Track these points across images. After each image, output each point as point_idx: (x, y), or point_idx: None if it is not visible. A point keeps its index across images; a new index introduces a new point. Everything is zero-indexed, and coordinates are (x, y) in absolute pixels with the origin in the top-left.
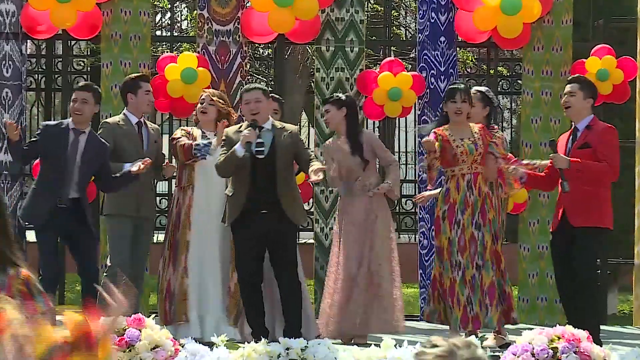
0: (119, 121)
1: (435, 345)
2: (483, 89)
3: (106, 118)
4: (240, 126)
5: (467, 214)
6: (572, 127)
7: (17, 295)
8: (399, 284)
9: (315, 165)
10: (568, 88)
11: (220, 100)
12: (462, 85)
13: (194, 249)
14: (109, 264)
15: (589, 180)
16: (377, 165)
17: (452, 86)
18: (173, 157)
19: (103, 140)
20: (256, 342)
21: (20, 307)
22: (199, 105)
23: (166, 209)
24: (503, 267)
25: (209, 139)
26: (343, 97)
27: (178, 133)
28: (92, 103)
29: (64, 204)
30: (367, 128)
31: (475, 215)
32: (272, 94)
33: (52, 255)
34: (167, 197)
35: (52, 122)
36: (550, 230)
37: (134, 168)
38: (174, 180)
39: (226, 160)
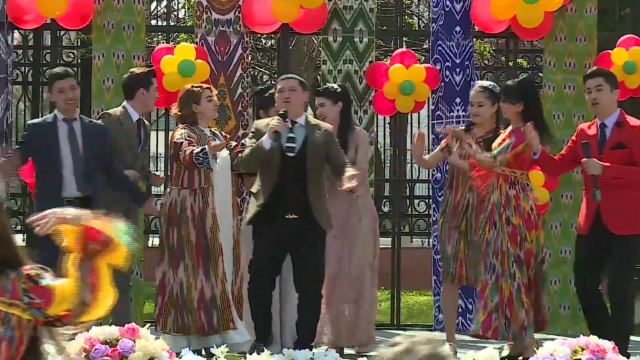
0: (119, 115)
1: (394, 344)
2: (487, 83)
3: (98, 113)
4: (272, 119)
5: (504, 215)
6: (598, 123)
7: (23, 294)
8: (376, 291)
9: (350, 170)
10: (593, 82)
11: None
12: (508, 83)
13: (226, 251)
14: None
15: (625, 185)
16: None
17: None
18: (174, 160)
19: (99, 122)
20: (259, 344)
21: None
22: (210, 102)
23: None
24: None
25: (208, 136)
26: (338, 89)
27: (179, 136)
28: (78, 88)
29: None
30: (377, 124)
31: (498, 218)
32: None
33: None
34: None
35: (36, 120)
36: (578, 233)
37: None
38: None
39: (251, 153)
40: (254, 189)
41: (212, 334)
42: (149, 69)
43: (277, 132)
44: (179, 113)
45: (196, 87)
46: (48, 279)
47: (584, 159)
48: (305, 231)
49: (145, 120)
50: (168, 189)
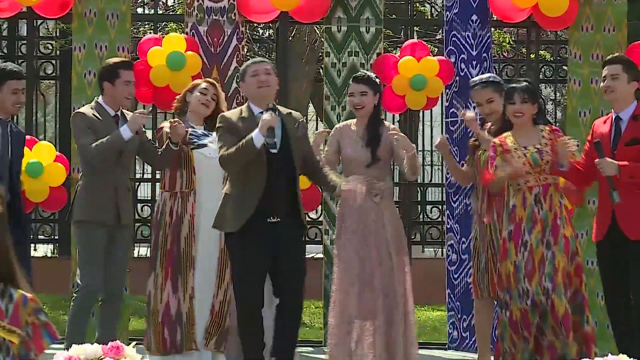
0: (93, 112)
1: None
2: (485, 76)
3: (78, 109)
4: (241, 111)
5: (535, 232)
6: (613, 116)
7: (26, 327)
8: (413, 307)
9: (336, 177)
10: (609, 70)
11: (222, 96)
12: (523, 84)
13: (200, 266)
14: (79, 282)
15: None
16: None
17: (510, 85)
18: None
19: (21, 130)
20: None
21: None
22: (200, 94)
23: (149, 217)
24: (582, 291)
25: (206, 133)
26: (378, 79)
27: (165, 123)
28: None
29: None
30: (385, 120)
31: (545, 233)
32: None
33: None
34: (150, 204)
35: None
36: (594, 240)
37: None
38: (157, 184)
39: (239, 150)
40: (227, 190)
41: (174, 353)
42: (120, 60)
43: (271, 127)
44: (177, 97)
45: (203, 80)
46: (44, 316)
47: (597, 160)
48: (289, 233)
49: (127, 113)
50: (160, 192)
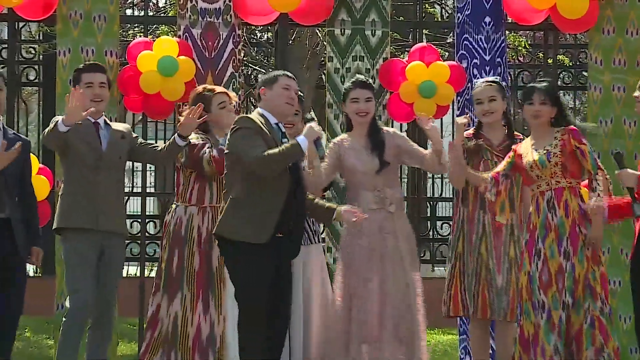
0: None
1: None
2: (492, 77)
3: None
4: (257, 119)
5: (549, 240)
6: None
7: None
8: (424, 330)
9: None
10: None
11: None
12: (544, 84)
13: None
14: (67, 305)
15: None
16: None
17: (530, 84)
18: (183, 168)
19: (24, 137)
20: None
21: None
22: (224, 110)
23: (158, 234)
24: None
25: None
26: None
27: (194, 138)
28: (5, 90)
29: None
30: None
31: (562, 242)
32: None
33: None
34: (139, 220)
35: None
36: (630, 259)
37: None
38: (148, 199)
39: (285, 155)
40: (238, 195)
41: None
42: (85, 64)
43: (319, 138)
44: None
45: (208, 90)
46: None
47: (617, 171)
48: (288, 251)
49: (110, 122)
50: (173, 205)
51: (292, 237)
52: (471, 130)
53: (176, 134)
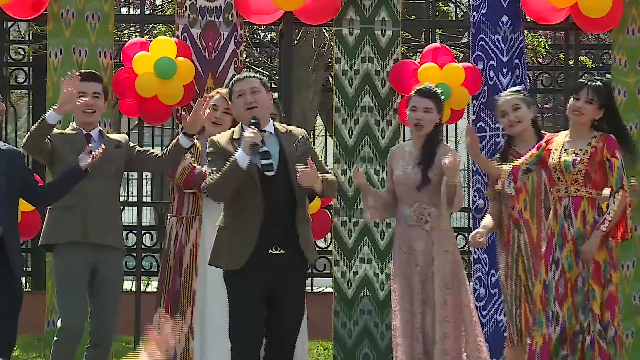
0: (65, 130)
1: None
2: (516, 87)
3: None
4: (233, 132)
5: (566, 250)
6: None
7: None
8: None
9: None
10: None
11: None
12: (598, 83)
13: (199, 302)
14: (59, 325)
15: None
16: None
17: (582, 80)
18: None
19: (13, 147)
20: None
21: None
22: (209, 111)
23: (155, 247)
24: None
25: None
26: (442, 96)
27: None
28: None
29: None
30: (403, 137)
31: (579, 255)
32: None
33: None
34: (134, 231)
35: None
36: None
37: (84, 161)
38: (145, 209)
39: (224, 175)
40: (222, 223)
41: None
42: (78, 73)
43: (255, 144)
44: None
45: (219, 91)
46: None
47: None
48: (291, 268)
49: (106, 133)
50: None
51: (283, 256)
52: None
53: (181, 134)
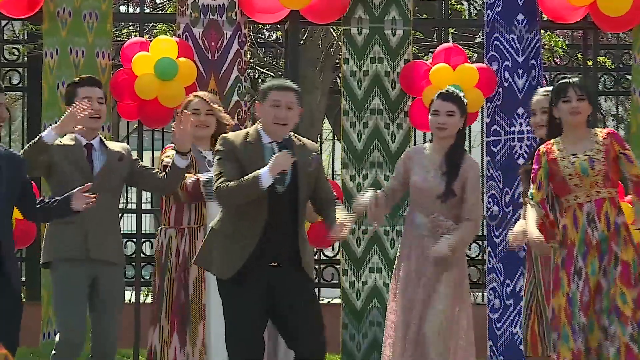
0: (65, 141)
1: None
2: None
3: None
4: (247, 134)
5: (590, 257)
6: None
7: None
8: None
9: (343, 215)
10: None
11: (220, 108)
12: (575, 79)
13: (215, 316)
14: (57, 339)
15: None
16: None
17: (562, 81)
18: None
19: (17, 153)
20: None
21: None
22: (192, 115)
23: (133, 255)
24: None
25: (207, 159)
26: (465, 100)
27: (168, 159)
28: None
29: None
30: (414, 141)
31: (603, 259)
32: None
33: None
34: (134, 239)
35: None
36: None
37: (77, 205)
38: (144, 216)
39: (242, 188)
40: (217, 226)
41: None
42: (80, 77)
43: (283, 172)
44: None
45: (195, 95)
46: None
47: None
48: (291, 277)
49: (107, 142)
50: (160, 228)
51: (281, 269)
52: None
53: (174, 155)
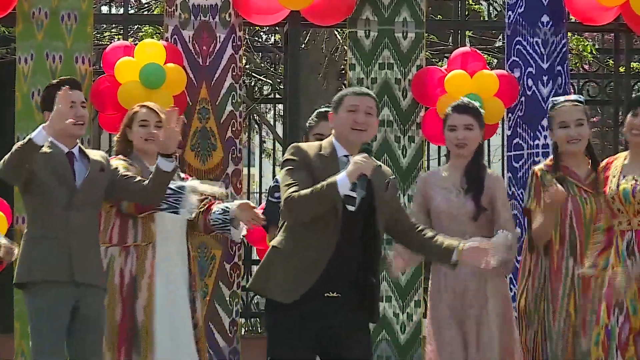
0: (45, 149)
1: None
2: (576, 98)
3: (24, 138)
4: (321, 147)
5: (630, 292)
6: None
7: None
8: None
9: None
10: None
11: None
12: None
13: (161, 343)
14: None
15: None
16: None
17: (637, 95)
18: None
19: None
20: None
21: None
22: (140, 128)
23: None
24: None
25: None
26: (482, 111)
27: (119, 166)
28: None
29: None
30: (427, 156)
31: None
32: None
33: None
34: None
35: None
36: None
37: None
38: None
39: (317, 195)
40: (280, 244)
41: None
42: (60, 79)
43: (364, 175)
44: (116, 139)
45: (141, 106)
46: None
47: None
48: (352, 316)
49: (87, 150)
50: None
51: (340, 300)
52: (548, 161)
53: (159, 159)
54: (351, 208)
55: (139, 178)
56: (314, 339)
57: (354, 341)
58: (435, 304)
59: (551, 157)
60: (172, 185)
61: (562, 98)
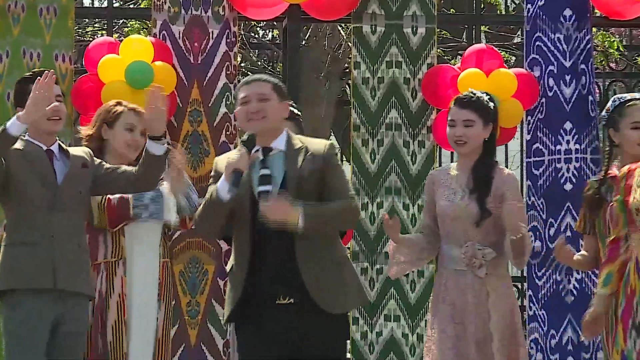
0: (20, 147)
1: None
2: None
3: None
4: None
5: None
6: None
7: None
8: None
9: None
10: None
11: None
12: None
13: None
14: None
15: None
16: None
17: None
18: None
19: None
20: None
21: None
22: (125, 132)
23: None
24: None
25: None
26: (491, 104)
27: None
28: None
29: None
30: (439, 161)
31: None
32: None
33: None
34: None
35: None
36: None
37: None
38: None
39: (203, 209)
40: (228, 266)
41: None
42: (33, 72)
43: (236, 170)
44: (88, 134)
45: (122, 105)
46: None
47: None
48: (310, 318)
49: (66, 147)
50: None
51: (296, 305)
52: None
53: (147, 141)
54: (266, 204)
55: (124, 168)
56: (280, 348)
57: (316, 339)
58: (433, 313)
59: (604, 164)
60: (148, 195)
61: (628, 96)
